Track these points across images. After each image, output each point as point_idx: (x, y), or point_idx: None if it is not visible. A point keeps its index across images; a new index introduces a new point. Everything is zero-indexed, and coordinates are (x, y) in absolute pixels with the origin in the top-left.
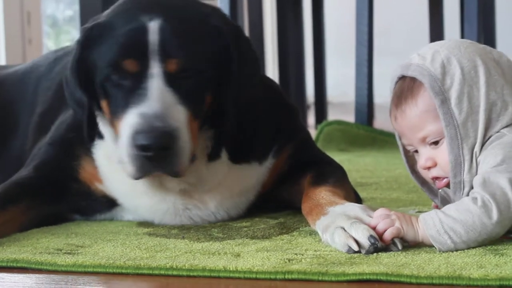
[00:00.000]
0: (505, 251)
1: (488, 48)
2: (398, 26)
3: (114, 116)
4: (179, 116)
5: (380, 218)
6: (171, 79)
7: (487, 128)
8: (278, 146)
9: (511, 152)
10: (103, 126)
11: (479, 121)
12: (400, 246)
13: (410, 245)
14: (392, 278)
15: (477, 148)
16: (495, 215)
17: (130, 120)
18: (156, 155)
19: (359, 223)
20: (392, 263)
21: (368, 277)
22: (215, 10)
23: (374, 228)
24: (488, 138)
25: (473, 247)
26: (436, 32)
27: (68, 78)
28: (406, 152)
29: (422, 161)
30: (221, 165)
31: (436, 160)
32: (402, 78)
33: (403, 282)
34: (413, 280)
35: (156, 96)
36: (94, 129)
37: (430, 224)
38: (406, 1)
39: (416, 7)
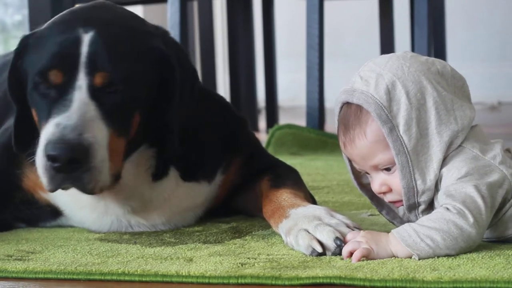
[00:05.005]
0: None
1: (430, 60)
2: (348, 29)
3: (40, 125)
4: (98, 132)
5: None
6: (96, 93)
7: (449, 146)
8: (226, 162)
9: (472, 164)
10: None
11: (431, 144)
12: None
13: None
14: (346, 282)
15: (431, 170)
16: (470, 218)
17: (46, 129)
18: (64, 168)
19: (324, 225)
20: (345, 267)
21: (321, 280)
22: (158, 30)
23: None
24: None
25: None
26: (386, 36)
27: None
28: (353, 168)
29: (376, 186)
30: (169, 183)
31: (390, 185)
32: (347, 104)
33: (356, 285)
34: (367, 284)
35: (77, 108)
36: (27, 138)
37: (405, 235)
38: (356, 4)
39: (366, 11)
